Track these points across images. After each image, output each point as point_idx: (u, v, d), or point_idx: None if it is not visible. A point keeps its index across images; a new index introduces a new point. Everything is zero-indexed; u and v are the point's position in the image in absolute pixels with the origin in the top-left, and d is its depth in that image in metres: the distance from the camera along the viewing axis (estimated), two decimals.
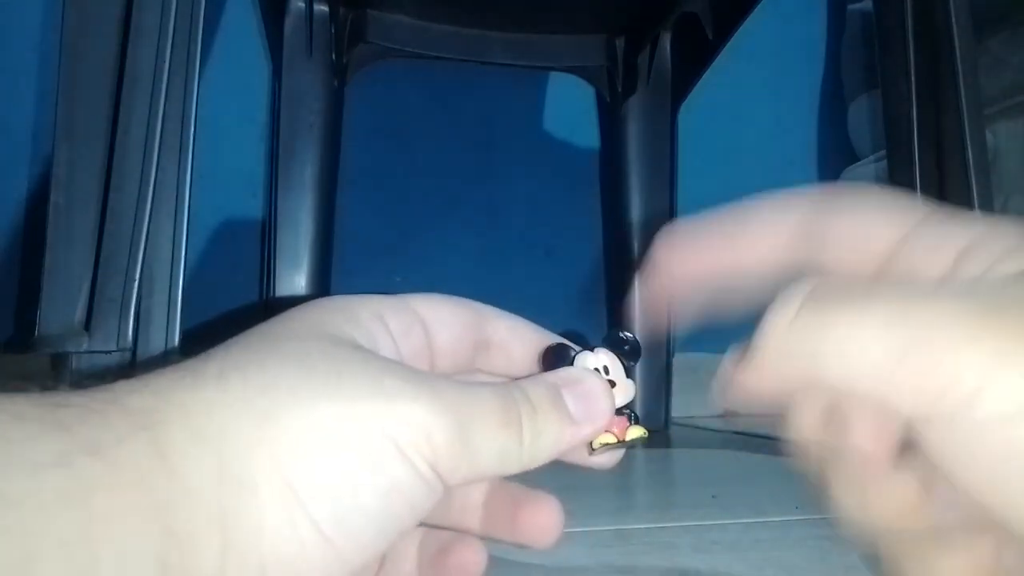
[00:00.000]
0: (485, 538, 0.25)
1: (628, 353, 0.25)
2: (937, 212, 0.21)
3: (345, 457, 0.19)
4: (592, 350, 0.25)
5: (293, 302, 0.23)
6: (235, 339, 0.22)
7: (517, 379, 0.24)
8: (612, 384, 0.24)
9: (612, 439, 0.24)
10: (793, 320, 0.19)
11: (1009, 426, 0.16)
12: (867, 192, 0.23)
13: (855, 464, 0.20)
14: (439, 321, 0.25)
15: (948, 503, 0.19)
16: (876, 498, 0.20)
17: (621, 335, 0.25)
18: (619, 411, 0.24)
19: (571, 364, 0.24)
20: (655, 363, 0.85)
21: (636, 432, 0.24)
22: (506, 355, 0.26)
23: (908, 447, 0.20)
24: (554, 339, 0.27)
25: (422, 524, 0.26)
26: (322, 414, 0.19)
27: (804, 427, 0.21)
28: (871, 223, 0.22)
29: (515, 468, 0.22)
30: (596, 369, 0.24)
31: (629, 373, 0.25)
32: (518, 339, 0.26)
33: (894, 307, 0.18)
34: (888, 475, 0.20)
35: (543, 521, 0.25)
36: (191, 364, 0.20)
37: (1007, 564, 0.19)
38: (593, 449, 0.24)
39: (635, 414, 0.25)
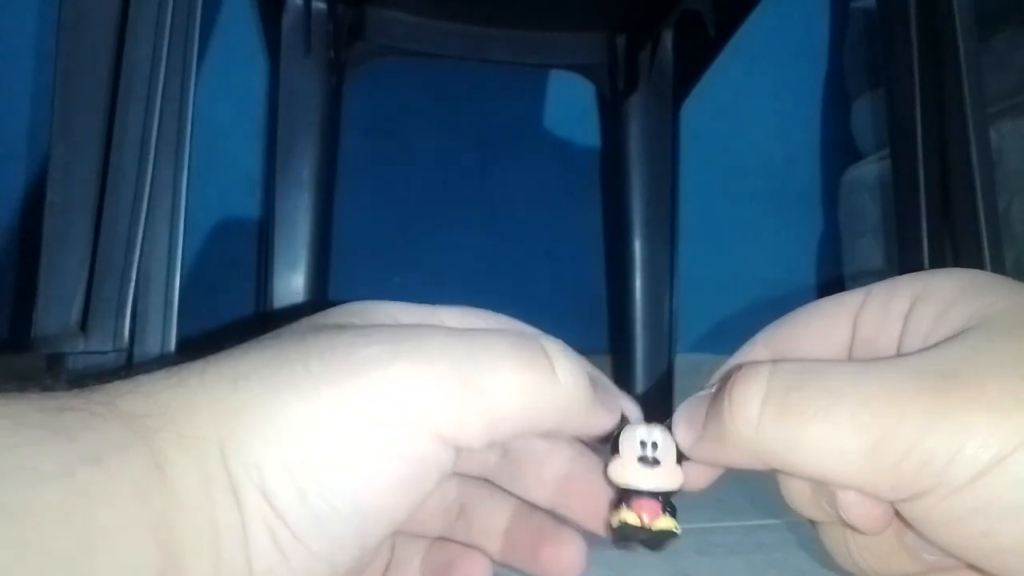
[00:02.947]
0: (503, 566, 0.24)
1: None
2: (875, 286, 0.23)
3: (314, 458, 0.18)
4: (647, 424, 0.23)
5: (291, 310, 0.23)
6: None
7: None
8: (655, 462, 0.22)
9: (636, 521, 0.22)
10: (758, 421, 0.20)
11: (971, 490, 0.18)
12: (810, 307, 0.24)
13: (842, 523, 0.21)
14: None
15: (923, 547, 0.21)
16: (858, 544, 0.22)
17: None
18: (654, 495, 0.22)
19: (618, 433, 0.22)
20: (657, 364, 0.84)
21: (665, 523, 0.22)
22: None
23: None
24: (596, 379, 0.24)
25: (430, 536, 0.25)
26: (290, 407, 0.18)
27: (793, 496, 0.22)
28: (823, 323, 0.24)
29: (554, 419, 0.20)
30: (642, 442, 0.22)
31: (680, 461, 0.22)
32: None
33: (858, 408, 0.19)
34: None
35: (567, 558, 0.24)
36: (184, 364, 0.20)
37: None
38: (612, 528, 0.22)
39: (672, 505, 0.22)
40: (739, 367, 0.21)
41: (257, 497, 0.18)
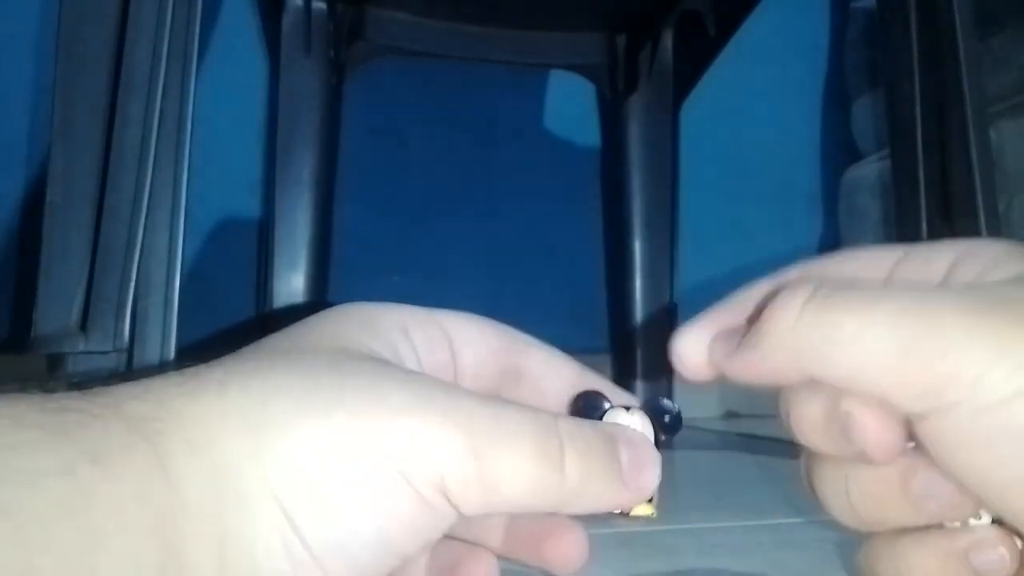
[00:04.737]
0: (503, 558, 0.24)
1: (667, 425, 0.23)
2: (918, 245, 0.23)
3: (340, 481, 0.18)
4: (627, 409, 0.23)
5: (291, 309, 0.23)
6: (251, 346, 0.21)
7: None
8: None
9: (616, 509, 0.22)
10: (799, 317, 0.20)
11: (1005, 410, 0.17)
12: (847, 252, 0.24)
13: (841, 455, 0.21)
14: (466, 339, 0.24)
15: (927, 494, 0.20)
16: (859, 489, 0.21)
17: (663, 404, 0.24)
18: None
19: (600, 418, 0.23)
20: (657, 364, 0.85)
21: (644, 510, 0.22)
22: (538, 389, 0.25)
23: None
24: (591, 381, 0.25)
25: None
26: (320, 432, 0.18)
27: (803, 421, 0.21)
28: (858, 267, 0.23)
29: (551, 505, 0.20)
30: None
31: (659, 445, 0.23)
32: (553, 374, 0.25)
33: (898, 307, 0.19)
34: (871, 467, 0.20)
35: (568, 550, 0.24)
36: (196, 369, 0.20)
37: (980, 560, 0.20)
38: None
39: None
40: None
41: (275, 511, 0.18)
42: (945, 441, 0.19)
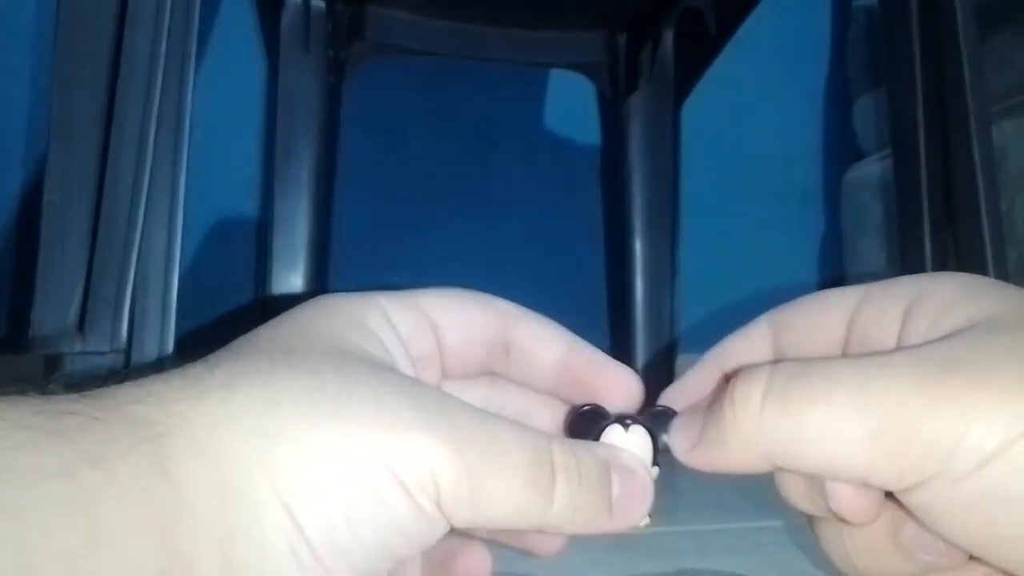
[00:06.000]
0: (489, 542, 0.25)
1: (664, 444, 0.23)
2: (874, 285, 0.23)
3: (347, 487, 0.19)
4: (625, 425, 0.23)
5: (291, 301, 0.23)
6: (243, 341, 0.21)
7: (560, 435, 0.23)
8: None
9: None
10: (760, 414, 0.20)
11: (979, 475, 0.18)
12: (812, 296, 0.25)
13: (835, 517, 0.21)
14: (448, 321, 0.24)
15: (917, 545, 0.21)
16: (854, 544, 0.22)
17: (662, 418, 0.24)
18: None
19: (598, 435, 0.23)
20: (657, 364, 0.84)
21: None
22: (527, 363, 0.25)
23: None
24: (581, 352, 0.25)
25: None
26: (327, 439, 0.19)
27: (788, 489, 0.22)
28: (820, 314, 0.24)
29: (537, 527, 0.21)
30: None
31: (658, 459, 0.23)
32: (542, 346, 0.25)
33: (859, 393, 0.19)
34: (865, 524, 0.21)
35: (549, 536, 0.24)
36: (197, 370, 0.20)
37: None
38: None
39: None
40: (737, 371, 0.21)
41: (283, 515, 0.18)
42: (927, 509, 0.19)
